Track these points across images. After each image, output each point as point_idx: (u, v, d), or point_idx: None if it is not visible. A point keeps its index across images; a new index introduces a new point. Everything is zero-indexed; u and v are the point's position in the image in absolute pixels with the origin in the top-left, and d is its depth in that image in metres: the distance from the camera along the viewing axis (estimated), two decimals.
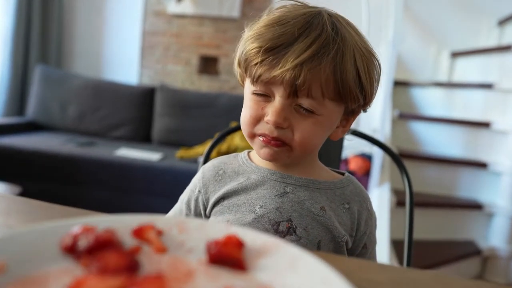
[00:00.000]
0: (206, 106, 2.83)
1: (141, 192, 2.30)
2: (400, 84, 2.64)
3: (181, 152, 2.51)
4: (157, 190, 2.28)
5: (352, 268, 0.40)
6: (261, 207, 0.62)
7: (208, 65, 3.21)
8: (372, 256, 0.69)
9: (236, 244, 0.34)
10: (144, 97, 2.93)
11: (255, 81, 0.58)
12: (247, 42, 0.60)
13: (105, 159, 2.32)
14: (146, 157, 2.37)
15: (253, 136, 0.62)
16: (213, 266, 0.33)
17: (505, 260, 2.12)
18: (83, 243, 0.31)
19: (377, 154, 2.05)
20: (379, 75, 0.63)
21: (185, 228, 0.36)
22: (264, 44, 0.56)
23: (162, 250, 0.34)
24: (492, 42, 2.71)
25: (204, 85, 3.21)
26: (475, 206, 2.20)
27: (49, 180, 2.33)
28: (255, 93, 0.60)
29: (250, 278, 0.32)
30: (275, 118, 0.57)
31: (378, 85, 0.63)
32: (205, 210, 0.68)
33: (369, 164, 2.15)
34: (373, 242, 0.69)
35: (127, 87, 2.97)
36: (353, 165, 2.18)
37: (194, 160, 2.43)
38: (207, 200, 0.67)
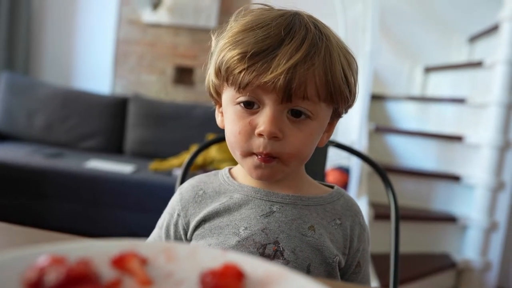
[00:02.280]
0: (181, 117, 2.77)
1: (113, 206, 2.20)
2: (375, 98, 2.67)
3: (155, 164, 2.43)
4: (130, 204, 2.19)
5: None
6: (246, 228, 0.57)
7: (184, 75, 3.15)
8: (366, 275, 0.65)
9: (235, 274, 0.29)
10: (117, 107, 2.83)
11: (242, 88, 0.53)
12: (224, 50, 0.55)
13: (74, 171, 2.22)
14: (118, 169, 2.28)
15: (246, 155, 0.56)
16: None
17: (479, 272, 2.14)
18: (51, 279, 0.25)
19: (355, 167, 2.05)
20: (357, 74, 0.61)
21: (174, 256, 0.31)
22: (249, 49, 0.52)
23: (147, 282, 0.29)
24: (463, 58, 2.80)
25: (179, 96, 3.15)
26: (450, 219, 2.22)
27: (14, 194, 2.19)
28: (239, 104, 0.55)
29: None
30: (270, 127, 0.52)
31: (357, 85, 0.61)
32: (185, 234, 0.63)
33: (347, 177, 2.14)
34: (367, 260, 0.65)
35: (98, 97, 2.87)
36: (331, 178, 2.17)
37: (169, 173, 2.36)
38: (188, 224, 0.62)
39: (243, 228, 0.57)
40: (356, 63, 0.60)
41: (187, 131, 2.71)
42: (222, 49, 0.56)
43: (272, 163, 0.55)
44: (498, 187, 2.12)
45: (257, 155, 0.55)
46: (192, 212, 0.62)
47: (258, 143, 0.54)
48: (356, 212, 0.63)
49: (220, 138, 1.01)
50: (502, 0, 2.16)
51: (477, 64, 2.34)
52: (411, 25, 2.87)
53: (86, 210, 2.21)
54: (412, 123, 2.67)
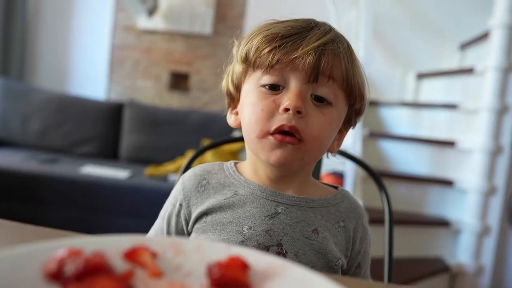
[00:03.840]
0: (176, 123, 2.78)
1: (108, 212, 2.20)
2: (369, 104, 2.70)
3: (150, 170, 2.43)
4: (125, 209, 2.19)
5: None
6: (250, 228, 0.57)
7: (179, 81, 3.17)
8: (366, 277, 0.65)
9: (240, 266, 0.31)
10: (112, 112, 2.84)
11: (270, 67, 0.54)
12: (252, 37, 0.58)
13: (69, 176, 2.21)
14: (113, 175, 2.28)
15: (264, 135, 0.55)
16: None
17: (472, 276, 2.17)
18: (70, 269, 0.27)
19: (350, 172, 2.07)
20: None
21: (181, 250, 0.33)
22: (280, 31, 0.55)
23: (158, 274, 0.30)
24: (454, 65, 2.84)
25: (175, 101, 3.16)
26: (443, 223, 2.25)
27: (9, 199, 2.18)
28: (264, 86, 0.56)
29: None
30: (296, 101, 0.53)
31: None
32: (187, 225, 0.62)
33: (342, 182, 2.16)
34: (367, 261, 0.65)
35: (94, 103, 2.87)
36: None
37: (164, 178, 2.37)
38: (189, 214, 0.61)
39: (247, 227, 0.57)
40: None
41: (183, 137, 2.72)
42: (249, 38, 0.58)
43: (294, 146, 0.55)
44: (490, 191, 2.15)
45: (275, 134, 0.55)
46: (194, 202, 0.61)
47: (281, 118, 0.54)
48: (360, 214, 0.64)
49: (216, 143, 1.03)
50: (492, 8, 2.21)
51: (469, 71, 2.38)
52: (403, 32, 2.92)
53: (81, 216, 2.21)
54: (405, 129, 2.70)
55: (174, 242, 0.34)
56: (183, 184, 0.63)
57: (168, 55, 3.14)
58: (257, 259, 0.32)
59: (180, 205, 0.62)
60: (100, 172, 2.30)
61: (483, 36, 2.41)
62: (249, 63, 0.57)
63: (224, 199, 0.60)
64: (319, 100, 0.56)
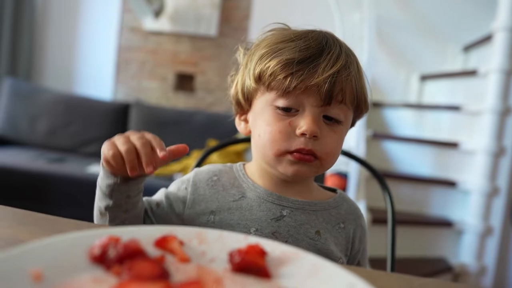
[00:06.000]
0: (182, 123, 2.81)
1: None
2: (373, 105, 2.72)
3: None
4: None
5: (362, 277, 0.41)
6: (257, 230, 0.60)
7: (184, 82, 3.20)
8: None
9: (258, 252, 0.34)
10: (118, 113, 2.88)
11: (286, 92, 0.57)
12: (265, 58, 0.60)
13: (76, 176, 2.25)
14: None
15: (282, 154, 0.59)
16: (239, 274, 0.33)
17: (475, 276, 2.19)
18: (112, 253, 0.31)
19: (354, 172, 2.09)
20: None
21: (205, 239, 0.37)
22: (295, 57, 0.57)
23: (186, 259, 0.34)
24: (457, 67, 2.86)
25: (180, 102, 3.20)
26: (446, 224, 2.27)
27: (17, 198, 2.23)
28: (278, 108, 0.59)
29: (276, 285, 0.32)
30: (312, 127, 0.57)
31: None
32: (183, 208, 0.64)
33: (345, 182, 2.19)
34: (366, 259, 0.70)
35: (100, 103, 2.91)
36: (330, 183, 2.21)
37: (170, 178, 2.40)
38: (192, 201, 0.63)
39: (254, 229, 0.60)
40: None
41: (188, 137, 2.76)
42: (261, 58, 0.60)
43: (311, 162, 0.59)
44: (493, 192, 2.17)
45: (292, 154, 0.58)
46: (202, 192, 0.64)
47: (299, 142, 0.58)
48: (358, 215, 0.68)
49: (223, 144, 1.05)
50: (496, 11, 2.23)
51: (472, 73, 2.40)
52: (407, 34, 2.94)
53: (88, 214, 2.23)
54: (408, 130, 2.72)
55: (198, 232, 0.37)
56: (196, 173, 0.67)
57: (174, 56, 3.18)
58: (273, 247, 0.36)
59: (186, 188, 0.65)
60: None
61: (487, 39, 2.43)
62: (262, 84, 0.60)
63: (233, 200, 0.63)
64: (329, 118, 0.60)
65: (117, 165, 0.55)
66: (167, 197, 0.66)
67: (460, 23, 2.89)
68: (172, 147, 0.56)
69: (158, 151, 0.53)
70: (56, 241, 0.31)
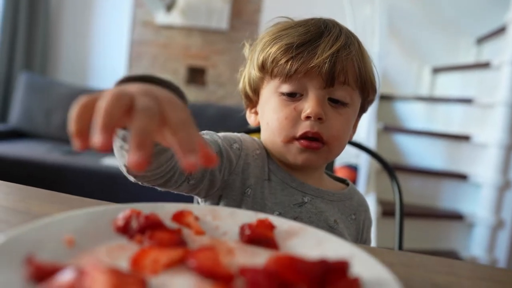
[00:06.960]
0: (193, 117, 2.83)
1: (129, 202, 2.27)
2: (384, 98, 2.72)
3: None
4: (146, 200, 2.25)
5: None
6: (280, 214, 0.61)
7: (196, 75, 3.23)
8: None
9: (267, 226, 0.37)
10: None
11: (288, 77, 0.58)
12: (268, 46, 0.61)
13: (91, 168, 2.30)
14: None
15: (290, 140, 0.60)
16: (249, 246, 0.35)
17: None
18: (135, 224, 0.33)
19: (364, 164, 2.10)
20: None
21: (218, 215, 0.40)
22: (294, 41, 0.58)
23: (201, 232, 0.36)
24: (470, 59, 2.83)
25: (192, 95, 3.22)
26: (457, 217, 2.27)
27: None
28: (283, 94, 0.60)
29: (284, 252, 0.35)
30: (316, 109, 0.57)
31: None
32: (236, 164, 0.60)
33: (356, 175, 2.20)
34: (370, 244, 0.73)
35: None
36: (340, 175, 2.22)
37: None
38: (242, 167, 0.61)
39: (277, 213, 0.61)
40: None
41: (200, 130, 2.78)
42: (264, 46, 0.62)
43: (319, 149, 0.59)
44: (504, 186, 2.16)
45: (300, 140, 0.59)
46: (244, 161, 0.61)
47: (305, 125, 0.58)
48: (367, 207, 0.71)
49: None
50: (509, 2, 2.20)
51: (485, 65, 2.38)
52: (419, 27, 2.92)
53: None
54: (420, 123, 2.71)
55: (212, 209, 0.40)
56: (243, 139, 0.64)
57: (185, 50, 3.20)
58: (281, 223, 0.39)
59: (238, 149, 0.62)
60: None
61: (500, 31, 2.40)
62: (266, 71, 0.61)
63: (264, 180, 0.62)
64: (335, 101, 0.60)
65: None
66: (230, 144, 0.62)
67: (473, 15, 2.86)
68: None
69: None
70: (85, 213, 0.34)
